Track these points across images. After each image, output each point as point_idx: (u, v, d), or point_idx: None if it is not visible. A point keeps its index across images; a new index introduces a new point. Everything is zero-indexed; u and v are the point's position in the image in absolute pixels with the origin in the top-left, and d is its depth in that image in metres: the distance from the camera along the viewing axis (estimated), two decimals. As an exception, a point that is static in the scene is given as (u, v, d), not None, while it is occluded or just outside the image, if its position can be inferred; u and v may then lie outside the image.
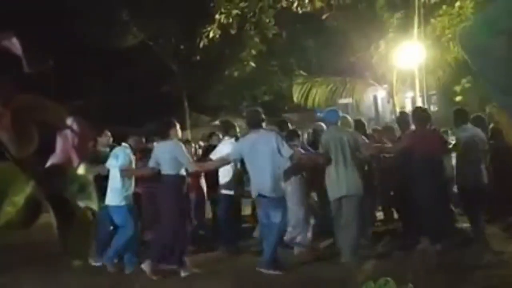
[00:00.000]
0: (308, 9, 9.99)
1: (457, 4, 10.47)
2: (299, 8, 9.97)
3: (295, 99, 13.10)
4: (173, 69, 15.74)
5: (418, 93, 11.34)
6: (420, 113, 6.24)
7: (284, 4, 10.12)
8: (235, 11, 10.16)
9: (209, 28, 10.42)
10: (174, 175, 5.40)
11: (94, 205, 0.55)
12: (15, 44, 0.58)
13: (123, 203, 5.51)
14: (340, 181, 5.52)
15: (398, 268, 4.88)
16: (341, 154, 5.53)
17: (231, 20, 10.21)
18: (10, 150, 0.57)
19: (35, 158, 0.60)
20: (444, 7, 10.65)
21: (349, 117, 6.81)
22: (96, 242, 5.74)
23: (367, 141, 6.12)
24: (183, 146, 5.64)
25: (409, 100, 13.59)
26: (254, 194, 5.48)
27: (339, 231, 5.60)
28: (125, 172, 5.58)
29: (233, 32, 10.50)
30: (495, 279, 4.74)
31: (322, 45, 13.58)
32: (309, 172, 6.21)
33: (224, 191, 6.38)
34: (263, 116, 5.54)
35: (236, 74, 12.02)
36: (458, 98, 14.54)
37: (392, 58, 11.34)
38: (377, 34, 11.42)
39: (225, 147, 6.20)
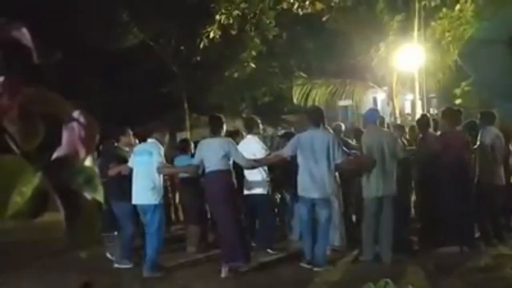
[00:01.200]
0: (309, 10, 10.01)
1: (457, 7, 10.49)
2: (299, 10, 9.99)
3: (295, 100, 13.12)
4: (173, 69, 15.75)
5: (418, 96, 11.36)
6: (451, 114, 6.29)
7: (284, 5, 10.14)
8: (235, 12, 10.18)
9: (209, 29, 10.44)
10: (225, 171, 5.35)
11: (100, 197, 0.55)
12: (25, 35, 0.58)
13: (158, 201, 5.39)
14: (378, 181, 5.57)
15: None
16: (381, 154, 5.61)
17: (231, 20, 10.23)
18: (17, 142, 0.57)
19: (41, 150, 0.61)
20: (444, 10, 10.67)
21: (384, 117, 6.95)
22: (122, 245, 5.77)
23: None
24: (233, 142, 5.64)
25: (408, 103, 13.60)
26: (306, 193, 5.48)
27: (371, 231, 5.64)
28: (163, 169, 5.47)
29: (233, 33, 10.51)
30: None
31: (323, 47, 13.59)
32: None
33: (257, 190, 6.28)
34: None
35: (236, 75, 12.02)
36: (458, 101, 14.56)
37: (392, 61, 11.36)
38: (377, 37, 11.44)
39: (250, 145, 6.14)
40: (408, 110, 13.76)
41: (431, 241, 6.03)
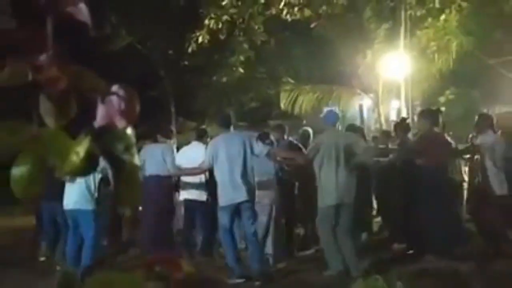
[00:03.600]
0: (297, 17, 10.10)
1: (442, 17, 10.71)
2: (288, 16, 10.07)
3: (282, 106, 13.19)
4: (160, 73, 15.70)
5: (403, 103, 11.53)
6: (430, 114, 5.97)
7: (273, 11, 10.22)
8: (224, 17, 10.23)
9: (198, 33, 10.46)
10: (163, 177, 5.54)
11: (138, 162, 0.58)
12: (81, 10, 0.60)
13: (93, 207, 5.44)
14: (334, 188, 5.17)
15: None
16: (337, 159, 5.19)
17: (220, 25, 10.26)
18: (54, 116, 0.59)
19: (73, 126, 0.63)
20: (429, 19, 10.88)
21: (356, 124, 6.78)
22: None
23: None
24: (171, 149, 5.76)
25: (394, 110, 13.79)
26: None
27: (331, 242, 5.24)
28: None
29: (222, 37, 10.55)
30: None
31: (310, 53, 13.72)
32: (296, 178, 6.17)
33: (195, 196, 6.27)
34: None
35: (224, 79, 12.06)
36: (442, 109, 14.82)
37: (379, 68, 11.53)
38: (364, 44, 11.60)
39: (193, 151, 6.15)
40: (393, 117, 13.95)
41: (415, 249, 5.83)
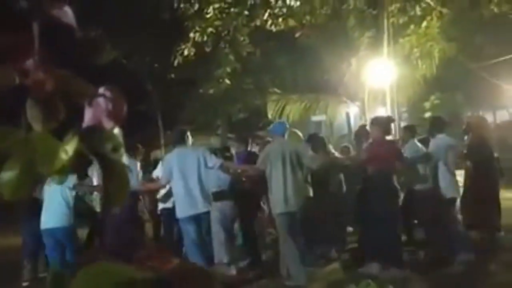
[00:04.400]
0: (282, 27, 10.19)
1: (424, 24, 10.88)
2: (272, 27, 10.15)
3: (269, 116, 13.24)
4: (147, 87, 15.68)
5: (389, 110, 11.65)
6: (381, 122, 5.93)
7: (258, 22, 10.29)
8: (209, 29, 10.26)
9: (183, 46, 10.48)
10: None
11: (125, 163, 0.59)
12: (67, 13, 0.60)
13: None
14: (281, 196, 5.34)
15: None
16: (282, 168, 5.36)
17: (205, 38, 10.30)
18: (40, 118, 0.60)
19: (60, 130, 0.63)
20: (411, 27, 11.04)
21: (298, 131, 6.77)
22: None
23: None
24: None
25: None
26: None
27: (291, 249, 5.28)
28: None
29: (207, 50, 10.58)
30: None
31: (296, 63, 13.84)
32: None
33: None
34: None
35: (211, 91, 12.08)
36: (427, 114, 14.99)
37: (364, 76, 11.65)
38: (349, 53, 11.73)
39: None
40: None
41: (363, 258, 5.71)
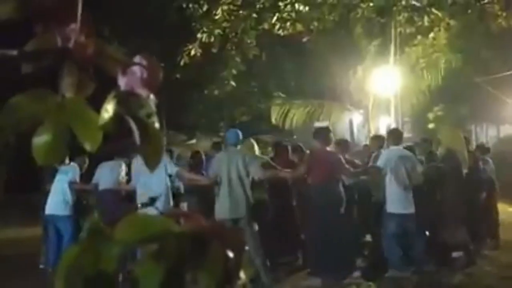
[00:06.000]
0: (289, 32, 10.22)
1: (431, 35, 10.91)
2: (280, 31, 10.18)
3: (273, 120, 13.25)
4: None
5: (393, 119, 11.67)
6: (320, 132, 5.91)
7: (266, 26, 10.32)
8: (217, 31, 10.29)
9: (190, 47, 10.51)
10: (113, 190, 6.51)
11: (159, 128, 0.60)
12: None
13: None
14: (225, 203, 5.47)
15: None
16: (227, 176, 5.51)
17: (212, 39, 10.32)
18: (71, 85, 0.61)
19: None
20: (419, 37, 11.08)
21: (252, 140, 6.76)
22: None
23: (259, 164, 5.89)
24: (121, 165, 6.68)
25: (384, 126, 13.93)
26: None
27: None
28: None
29: (214, 51, 10.61)
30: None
31: (302, 68, 13.86)
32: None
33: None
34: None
35: (216, 93, 12.09)
36: (431, 125, 15.01)
37: (369, 84, 11.68)
38: (355, 60, 11.77)
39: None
40: (383, 133, 14.07)
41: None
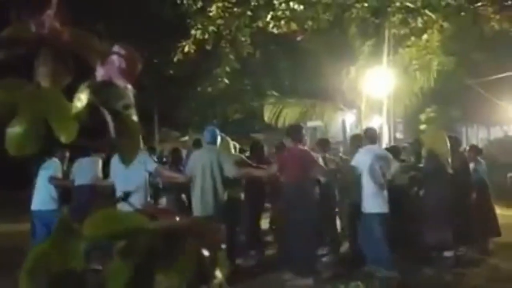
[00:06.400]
0: (284, 30, 10.20)
1: (425, 37, 10.94)
2: (274, 29, 10.16)
3: (266, 118, 13.24)
4: (144, 82, 15.61)
5: (385, 120, 11.69)
6: (293, 131, 5.88)
7: (260, 24, 10.29)
8: (211, 28, 10.25)
9: (184, 43, 10.45)
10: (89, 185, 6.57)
11: (136, 120, 0.58)
12: None
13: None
14: (198, 200, 5.58)
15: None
16: (201, 173, 5.59)
17: (207, 36, 10.28)
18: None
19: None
20: (412, 38, 11.10)
21: (229, 139, 6.73)
22: None
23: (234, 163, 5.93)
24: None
25: (376, 126, 13.95)
26: None
27: None
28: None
29: (208, 48, 10.56)
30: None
31: (295, 67, 13.85)
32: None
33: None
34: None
35: (209, 90, 12.05)
36: (422, 127, 15.08)
37: (362, 84, 11.69)
38: (349, 60, 11.78)
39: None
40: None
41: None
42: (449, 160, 5.95)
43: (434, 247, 5.88)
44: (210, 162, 5.61)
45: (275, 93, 13.63)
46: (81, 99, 0.56)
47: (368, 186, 5.64)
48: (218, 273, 0.48)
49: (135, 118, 0.59)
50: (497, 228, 7.09)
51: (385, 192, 5.68)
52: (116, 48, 0.63)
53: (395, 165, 5.96)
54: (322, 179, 5.95)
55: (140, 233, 0.46)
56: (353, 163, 5.85)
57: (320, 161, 6.18)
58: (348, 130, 15.07)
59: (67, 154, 6.94)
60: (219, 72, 11.21)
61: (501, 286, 5.39)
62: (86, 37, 0.63)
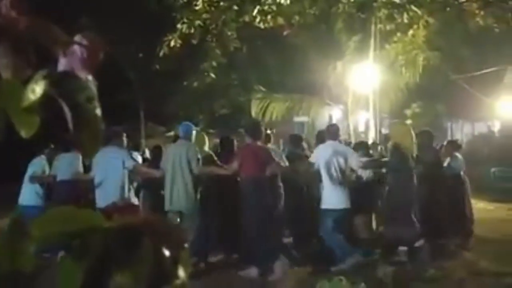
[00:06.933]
0: (270, 25, 10.17)
1: (410, 32, 11.00)
2: (261, 24, 10.12)
3: (253, 113, 13.22)
4: (130, 77, 15.47)
5: (371, 115, 11.76)
6: (250, 127, 5.88)
7: (246, 18, 10.24)
8: (197, 22, 10.16)
9: (170, 37, 10.36)
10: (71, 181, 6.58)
11: (100, 114, 0.55)
12: None
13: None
14: (168, 195, 5.65)
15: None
16: (171, 168, 5.65)
17: (193, 30, 10.20)
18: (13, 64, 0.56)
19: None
20: (398, 34, 11.17)
21: (204, 135, 6.66)
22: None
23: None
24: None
25: (362, 121, 14.04)
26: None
27: None
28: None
29: (194, 42, 10.48)
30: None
31: (282, 62, 13.85)
32: None
33: None
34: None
35: (195, 84, 11.98)
36: (408, 121, 15.19)
37: (348, 80, 11.74)
38: (335, 55, 11.81)
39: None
40: (362, 128, 14.20)
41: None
42: (414, 154, 5.94)
43: (396, 242, 5.89)
44: (179, 157, 5.66)
45: (262, 88, 13.61)
46: (35, 91, 0.53)
47: (325, 182, 5.69)
48: (181, 273, 0.46)
49: (98, 111, 0.56)
50: (470, 224, 7.10)
51: (343, 188, 5.70)
52: (78, 37, 0.60)
53: (356, 161, 5.94)
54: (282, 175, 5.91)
55: (94, 232, 0.44)
56: (311, 159, 5.87)
57: (283, 158, 6.22)
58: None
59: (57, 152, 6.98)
60: (205, 67, 11.14)
61: (477, 280, 5.42)
62: (47, 26, 0.59)
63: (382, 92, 11.75)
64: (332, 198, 5.67)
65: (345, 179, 5.78)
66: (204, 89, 12.79)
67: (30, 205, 6.45)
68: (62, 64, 0.58)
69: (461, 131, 18.73)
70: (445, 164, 7.13)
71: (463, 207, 7.10)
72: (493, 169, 13.08)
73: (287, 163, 6.11)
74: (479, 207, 9.88)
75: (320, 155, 5.80)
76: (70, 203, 5.03)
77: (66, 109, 0.53)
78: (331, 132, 6.05)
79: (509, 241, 7.18)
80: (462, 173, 7.29)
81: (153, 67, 12.90)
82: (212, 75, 11.18)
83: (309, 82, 13.11)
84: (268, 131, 6.60)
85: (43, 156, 6.87)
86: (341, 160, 5.75)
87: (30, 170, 6.69)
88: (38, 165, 6.79)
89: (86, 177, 6.38)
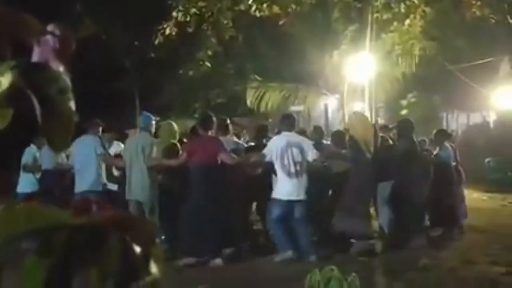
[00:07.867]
0: (266, 13, 10.10)
1: (407, 22, 10.94)
2: (257, 12, 10.05)
3: (248, 103, 13.19)
4: (125, 65, 15.35)
5: (367, 105, 11.73)
6: (202, 119, 6.02)
7: (242, 7, 10.17)
8: (193, 10, 10.09)
9: (165, 25, 10.28)
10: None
11: (73, 107, 0.53)
12: None
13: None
14: (127, 184, 5.88)
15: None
16: (129, 159, 5.91)
17: (188, 18, 10.13)
18: None
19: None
20: (395, 23, 11.10)
21: (171, 122, 6.67)
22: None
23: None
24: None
25: (359, 111, 13.99)
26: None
27: None
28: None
29: (190, 30, 10.41)
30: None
31: (278, 51, 13.77)
32: None
33: None
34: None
35: (191, 73, 11.92)
36: (403, 112, 15.21)
37: (344, 69, 11.68)
38: (331, 45, 11.74)
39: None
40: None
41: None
42: (369, 144, 5.92)
43: (347, 234, 5.89)
44: (136, 147, 5.89)
45: (257, 77, 13.54)
46: (1, 83, 0.51)
47: (278, 173, 5.68)
48: (153, 269, 0.45)
49: (72, 103, 0.54)
50: (458, 214, 7.03)
51: (298, 180, 5.62)
52: (50, 27, 0.58)
53: (312, 152, 5.81)
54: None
55: (58, 229, 0.43)
56: (264, 150, 5.85)
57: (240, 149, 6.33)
58: (330, 115, 15.12)
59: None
60: (201, 56, 11.10)
61: (469, 270, 5.44)
62: (19, 16, 0.58)
63: (378, 82, 11.71)
64: (282, 188, 5.65)
65: (302, 170, 5.68)
66: (199, 78, 12.72)
67: (24, 192, 6.50)
68: (36, 54, 0.56)
69: (456, 122, 18.75)
70: (434, 153, 7.11)
71: (451, 197, 6.94)
72: (487, 160, 13.12)
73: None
74: (474, 197, 9.94)
75: (272, 146, 5.78)
76: (55, 192, 5.08)
77: (34, 100, 0.52)
78: (286, 123, 5.98)
79: (502, 231, 7.22)
80: (453, 163, 7.24)
81: (148, 55, 12.84)
82: (208, 63, 11.13)
83: (305, 71, 13.06)
84: (228, 122, 6.55)
85: (33, 146, 6.92)
86: (296, 151, 5.68)
87: (23, 160, 6.73)
88: (28, 154, 6.88)
89: (66, 166, 6.71)
